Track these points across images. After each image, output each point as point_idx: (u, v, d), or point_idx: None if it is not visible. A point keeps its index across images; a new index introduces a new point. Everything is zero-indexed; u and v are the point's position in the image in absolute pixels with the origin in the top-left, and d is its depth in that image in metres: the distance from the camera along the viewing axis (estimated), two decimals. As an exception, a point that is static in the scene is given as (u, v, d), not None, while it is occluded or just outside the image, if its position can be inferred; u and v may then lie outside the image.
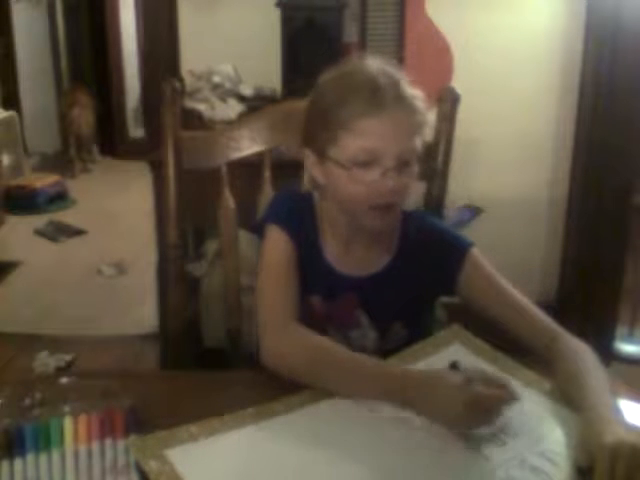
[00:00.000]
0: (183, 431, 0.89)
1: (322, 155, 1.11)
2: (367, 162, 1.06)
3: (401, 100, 1.06)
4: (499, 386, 0.93)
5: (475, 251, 1.18)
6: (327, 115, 1.08)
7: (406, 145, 1.07)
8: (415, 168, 1.10)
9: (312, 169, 1.15)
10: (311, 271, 1.18)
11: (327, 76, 1.13)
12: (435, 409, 0.93)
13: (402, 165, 1.07)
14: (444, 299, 1.28)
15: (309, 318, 1.18)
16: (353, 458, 0.87)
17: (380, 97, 1.05)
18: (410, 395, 0.95)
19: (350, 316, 1.19)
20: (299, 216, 1.19)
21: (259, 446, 0.89)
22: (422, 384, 0.96)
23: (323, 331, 1.19)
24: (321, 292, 1.19)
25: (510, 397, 0.93)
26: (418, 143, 1.09)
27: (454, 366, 1.00)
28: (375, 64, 1.10)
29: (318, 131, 1.11)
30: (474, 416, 0.90)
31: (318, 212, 1.20)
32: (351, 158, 1.06)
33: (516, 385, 1.01)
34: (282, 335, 1.07)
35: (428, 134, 1.35)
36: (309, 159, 1.15)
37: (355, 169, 1.07)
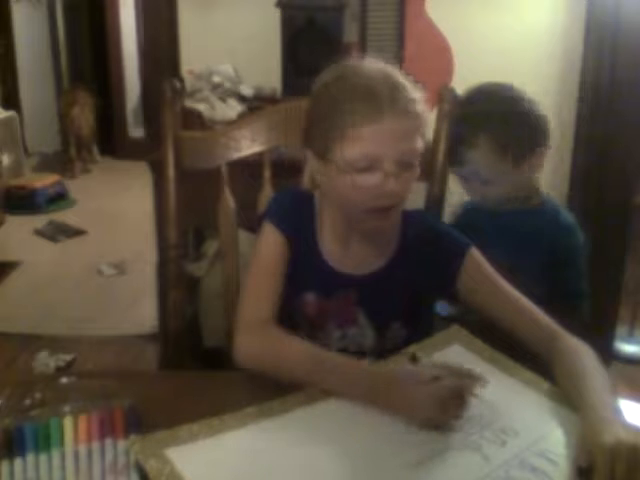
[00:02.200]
0: (183, 430, 0.89)
1: (322, 158, 1.11)
2: (367, 167, 1.06)
3: (399, 105, 1.05)
4: (465, 376, 0.95)
5: (475, 251, 1.19)
6: (326, 121, 1.08)
7: (406, 149, 1.07)
8: (417, 169, 1.10)
9: (312, 170, 1.15)
10: (309, 269, 1.18)
11: (325, 79, 1.12)
12: (404, 404, 0.94)
13: (403, 168, 1.07)
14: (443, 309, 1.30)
15: (304, 315, 1.19)
16: (352, 458, 0.87)
17: (377, 103, 1.04)
18: (379, 391, 0.96)
19: (348, 314, 1.19)
20: (297, 215, 1.20)
21: (259, 446, 0.89)
22: (391, 380, 0.97)
23: (320, 328, 1.20)
24: (318, 290, 1.19)
25: (477, 382, 0.94)
26: (419, 144, 1.09)
27: (414, 358, 1.00)
28: (372, 66, 1.09)
29: (318, 135, 1.10)
30: (442, 410, 0.91)
31: (317, 211, 1.21)
32: (351, 163, 1.06)
33: (515, 384, 1.02)
34: (254, 336, 1.08)
35: (428, 133, 1.37)
36: (309, 160, 1.15)
37: (355, 174, 1.07)
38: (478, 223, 1.48)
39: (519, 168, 1.44)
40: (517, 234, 1.45)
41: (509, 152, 1.41)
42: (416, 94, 1.09)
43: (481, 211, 1.53)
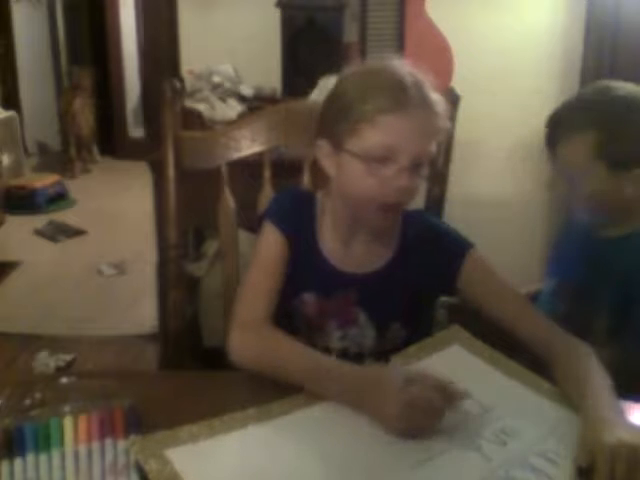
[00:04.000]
0: (183, 431, 0.89)
1: (338, 147, 1.10)
2: (384, 158, 1.06)
3: (426, 102, 1.07)
4: (441, 389, 0.91)
5: (475, 252, 1.19)
6: (350, 107, 1.08)
7: (424, 147, 1.08)
8: (426, 171, 1.11)
9: (324, 160, 1.15)
10: (309, 269, 1.18)
11: (352, 71, 1.14)
12: (372, 408, 0.92)
13: (416, 166, 1.08)
14: (444, 298, 1.28)
15: (303, 315, 1.19)
16: (353, 458, 0.87)
17: (406, 96, 1.06)
18: (354, 395, 0.95)
19: (348, 314, 1.19)
20: (297, 215, 1.20)
21: (259, 447, 0.89)
22: (362, 383, 0.95)
23: (319, 329, 1.20)
24: (318, 290, 1.19)
25: (453, 399, 0.91)
26: (434, 148, 1.10)
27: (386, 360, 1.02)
28: (402, 65, 1.11)
29: (337, 122, 1.10)
30: (411, 418, 0.89)
31: (318, 211, 1.21)
32: (369, 152, 1.07)
33: (515, 384, 1.02)
34: (248, 334, 1.09)
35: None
36: (322, 150, 1.14)
37: (370, 164, 1.07)
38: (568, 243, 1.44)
39: (615, 179, 1.29)
40: (597, 258, 1.35)
41: (605, 155, 1.28)
42: (441, 97, 1.11)
43: (574, 231, 1.45)
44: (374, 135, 1.06)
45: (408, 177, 1.07)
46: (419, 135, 1.07)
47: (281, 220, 1.18)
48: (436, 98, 1.09)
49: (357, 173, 1.09)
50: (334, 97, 1.14)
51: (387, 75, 1.09)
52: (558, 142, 1.33)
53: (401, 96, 1.06)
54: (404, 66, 1.11)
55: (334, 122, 1.11)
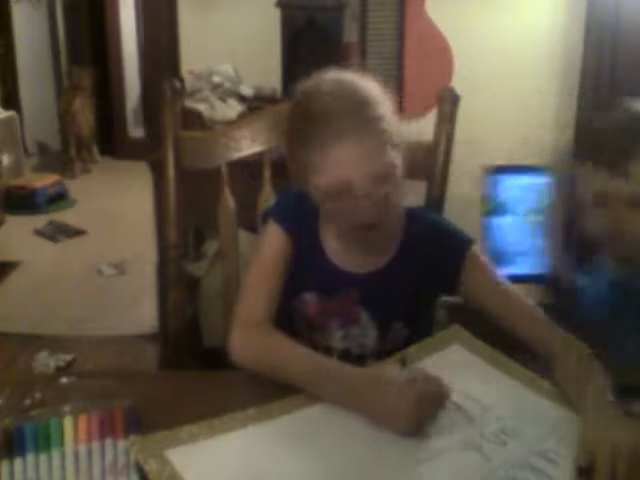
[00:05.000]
0: (183, 431, 0.89)
1: (303, 179, 1.10)
2: (339, 192, 1.05)
3: (357, 126, 1.03)
4: (436, 383, 0.94)
5: (477, 248, 1.18)
6: (293, 149, 1.09)
7: (373, 167, 1.04)
8: (396, 180, 1.07)
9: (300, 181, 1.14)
10: (312, 268, 1.18)
11: (291, 104, 1.12)
12: (376, 411, 0.92)
13: (379, 184, 1.04)
14: (444, 298, 1.28)
15: (305, 315, 1.19)
16: (353, 458, 0.87)
17: (334, 129, 1.02)
18: (355, 397, 0.95)
19: (350, 313, 1.19)
20: (301, 213, 1.19)
21: (259, 447, 0.89)
22: (363, 385, 0.95)
23: (321, 328, 1.20)
24: (320, 289, 1.19)
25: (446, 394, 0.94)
26: (391, 157, 1.06)
27: (403, 361, 1.02)
28: (334, 86, 1.06)
29: (292, 155, 1.11)
30: (420, 415, 0.90)
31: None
32: (322, 191, 1.06)
33: (515, 384, 1.02)
34: (249, 334, 1.09)
35: (428, 134, 1.36)
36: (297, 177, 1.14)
37: (329, 200, 1.07)
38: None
39: None
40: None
41: None
42: (381, 110, 1.06)
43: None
44: (320, 177, 1.05)
45: (369, 201, 1.04)
46: (363, 160, 1.03)
47: (285, 218, 1.18)
48: (374, 114, 1.04)
49: (324, 204, 1.10)
50: (285, 142, 1.14)
51: (315, 108, 1.05)
52: (629, 162, 1.14)
53: (329, 130, 1.02)
54: (339, 86, 1.06)
55: (290, 166, 1.12)
